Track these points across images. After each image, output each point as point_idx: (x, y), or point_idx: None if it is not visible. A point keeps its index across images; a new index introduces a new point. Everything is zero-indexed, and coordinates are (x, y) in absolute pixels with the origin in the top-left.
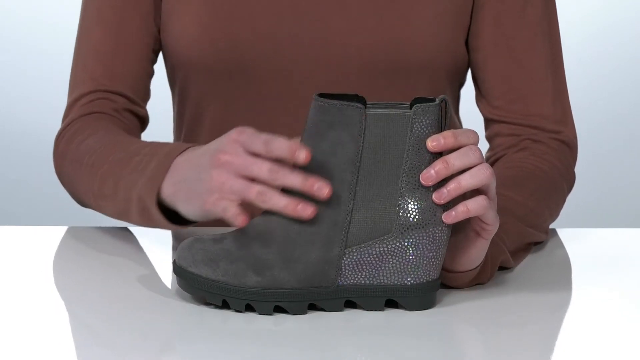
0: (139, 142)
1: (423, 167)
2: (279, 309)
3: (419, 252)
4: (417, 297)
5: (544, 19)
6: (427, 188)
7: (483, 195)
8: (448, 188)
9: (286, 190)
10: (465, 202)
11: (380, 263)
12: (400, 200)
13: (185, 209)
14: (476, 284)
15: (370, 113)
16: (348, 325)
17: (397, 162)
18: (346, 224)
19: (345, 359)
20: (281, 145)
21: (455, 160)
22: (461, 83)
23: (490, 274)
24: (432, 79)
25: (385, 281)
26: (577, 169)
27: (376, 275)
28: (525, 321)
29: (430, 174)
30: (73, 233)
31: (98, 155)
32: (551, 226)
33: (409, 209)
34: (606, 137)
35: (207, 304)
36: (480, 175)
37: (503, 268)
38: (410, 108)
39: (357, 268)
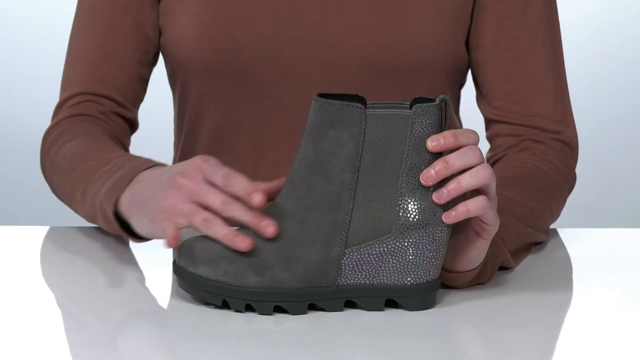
0: (114, 151)
1: (423, 167)
2: (279, 309)
3: (419, 252)
4: (417, 297)
5: (545, 19)
6: (427, 188)
7: (483, 195)
8: (448, 188)
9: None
10: (465, 202)
11: (380, 263)
12: (400, 200)
13: (136, 223)
14: (476, 284)
15: (370, 113)
16: (348, 325)
17: (397, 162)
18: (346, 224)
19: (345, 359)
20: (240, 184)
21: (455, 160)
22: (461, 83)
23: (491, 274)
24: (432, 80)
25: (385, 281)
26: (577, 169)
27: (376, 275)
28: (525, 321)
29: (430, 174)
30: (73, 233)
31: (74, 160)
32: (551, 226)
33: (409, 209)
34: (606, 137)
35: (207, 304)
36: (480, 176)
37: (503, 268)
38: (410, 108)
39: (357, 268)
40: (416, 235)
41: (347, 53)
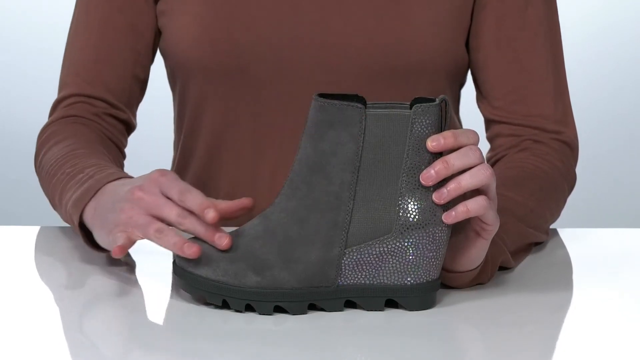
0: (90, 159)
1: (423, 167)
2: (279, 309)
3: (419, 252)
4: (417, 297)
5: (545, 19)
6: (427, 188)
7: (483, 195)
8: (448, 188)
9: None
10: (465, 202)
11: (380, 263)
12: (400, 200)
13: (96, 234)
14: (476, 284)
15: (370, 113)
16: (348, 325)
17: (397, 162)
18: (346, 224)
19: (345, 359)
20: (194, 200)
21: (455, 160)
22: (461, 83)
23: (491, 274)
24: (432, 80)
25: (385, 281)
26: (578, 169)
27: (376, 275)
28: (525, 321)
29: (430, 174)
30: (73, 233)
31: (56, 165)
32: (551, 226)
33: (409, 209)
34: (606, 137)
35: (207, 304)
36: (480, 176)
37: (503, 268)
38: (410, 108)
39: (357, 268)
40: (416, 235)
41: (347, 53)
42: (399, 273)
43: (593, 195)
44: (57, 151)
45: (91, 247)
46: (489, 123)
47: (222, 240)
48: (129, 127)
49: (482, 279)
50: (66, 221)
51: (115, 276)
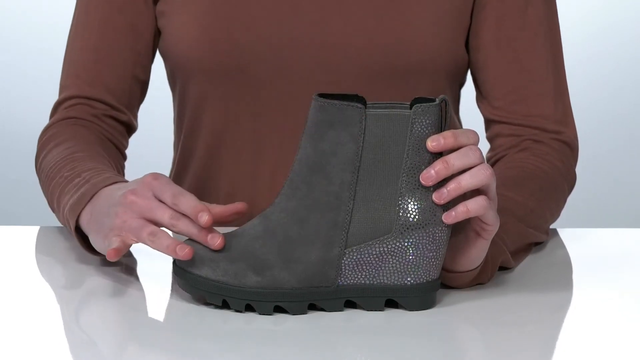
0: (88, 163)
1: (423, 167)
2: (279, 309)
3: (419, 252)
4: (417, 297)
5: (545, 19)
6: (427, 188)
7: (483, 195)
8: (448, 188)
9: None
10: (465, 202)
11: (380, 263)
12: (400, 200)
13: (92, 239)
14: (476, 284)
15: (370, 113)
16: (348, 325)
17: (397, 162)
18: (346, 224)
19: (345, 359)
20: (187, 203)
21: (455, 161)
22: (461, 83)
23: (491, 274)
24: (432, 80)
25: (385, 281)
26: (578, 169)
27: (376, 275)
28: (525, 321)
29: (430, 174)
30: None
31: (54, 168)
32: (551, 226)
33: (409, 209)
34: (606, 137)
35: (207, 304)
36: (481, 176)
37: (503, 268)
38: (410, 108)
39: (357, 268)
40: (416, 235)
41: (347, 53)
42: (399, 273)
43: (593, 195)
44: (56, 154)
45: (88, 251)
46: (489, 123)
47: (215, 240)
48: (130, 128)
49: (482, 279)
50: (64, 224)
51: (115, 276)
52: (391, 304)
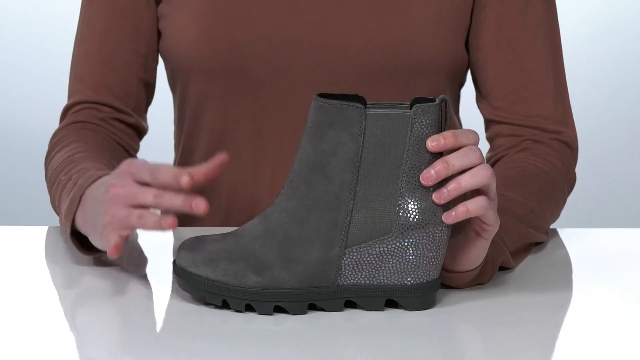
0: (81, 164)
1: (423, 167)
2: (279, 309)
3: (419, 252)
4: (417, 297)
5: (545, 19)
6: (427, 188)
7: (483, 195)
8: (448, 188)
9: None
10: (465, 203)
11: (380, 263)
12: (400, 200)
13: (92, 239)
14: (476, 284)
15: (370, 113)
16: (348, 325)
17: (397, 162)
18: (346, 224)
19: (345, 359)
20: (166, 173)
21: (455, 161)
22: (461, 83)
23: (491, 274)
24: (432, 80)
25: (385, 281)
26: (578, 169)
27: (376, 275)
28: (525, 321)
29: (430, 174)
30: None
31: (55, 172)
32: (551, 226)
33: (409, 209)
34: (606, 138)
35: (207, 304)
36: (481, 176)
37: (503, 268)
38: (410, 108)
39: (357, 268)
40: (416, 235)
41: (347, 53)
42: (399, 273)
43: (593, 195)
44: (59, 157)
45: (87, 253)
46: (489, 123)
47: (200, 205)
48: (139, 130)
49: (482, 279)
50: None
51: (115, 276)
52: (391, 304)
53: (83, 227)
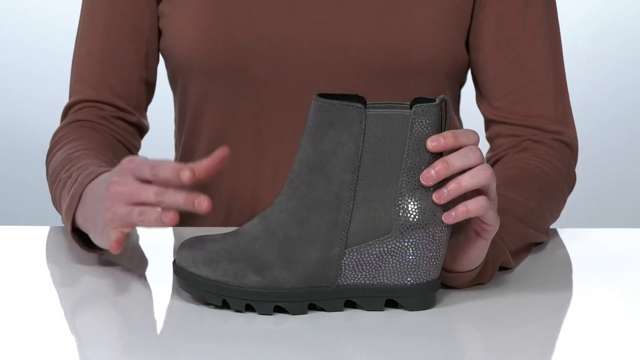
0: (81, 161)
1: (423, 167)
2: (279, 309)
3: (419, 252)
4: (417, 297)
5: (545, 19)
6: (427, 188)
7: (483, 195)
8: (448, 188)
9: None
10: (466, 203)
11: (380, 263)
12: (400, 200)
13: (92, 237)
14: (476, 284)
15: (370, 113)
16: (348, 325)
17: (397, 162)
18: (346, 224)
19: (345, 359)
20: (166, 168)
21: (455, 161)
22: (461, 83)
23: (491, 274)
24: (432, 80)
25: (385, 281)
26: (578, 169)
27: (376, 275)
28: (525, 321)
29: (431, 174)
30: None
31: (56, 171)
32: (551, 226)
33: (409, 209)
34: (606, 138)
35: (207, 304)
36: (481, 176)
37: (503, 268)
38: (410, 108)
39: (357, 268)
40: (416, 235)
41: (347, 53)
42: (399, 273)
43: (593, 195)
44: (59, 155)
45: (89, 250)
46: (489, 123)
47: (202, 204)
48: (141, 129)
49: (482, 279)
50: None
51: (115, 276)
52: (391, 304)
53: (83, 225)
